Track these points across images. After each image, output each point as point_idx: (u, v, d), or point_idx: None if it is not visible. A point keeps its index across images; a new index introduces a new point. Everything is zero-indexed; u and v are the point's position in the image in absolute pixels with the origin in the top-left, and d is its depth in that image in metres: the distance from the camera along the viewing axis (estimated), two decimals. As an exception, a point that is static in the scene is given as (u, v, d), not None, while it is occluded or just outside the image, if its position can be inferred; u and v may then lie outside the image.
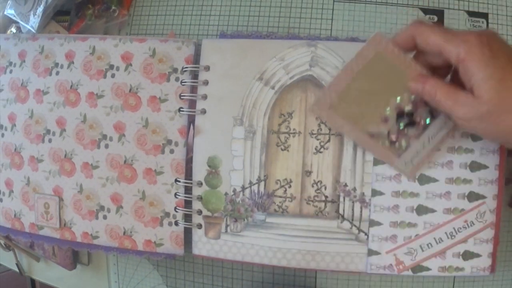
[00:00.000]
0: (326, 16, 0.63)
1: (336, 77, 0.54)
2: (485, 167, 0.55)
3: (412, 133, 0.54)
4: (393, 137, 0.55)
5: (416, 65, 0.52)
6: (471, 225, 0.55)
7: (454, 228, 0.55)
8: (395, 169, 0.56)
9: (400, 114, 0.54)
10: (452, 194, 0.56)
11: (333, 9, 0.63)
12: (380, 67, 0.53)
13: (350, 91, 0.54)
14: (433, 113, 0.54)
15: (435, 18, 0.61)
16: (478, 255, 0.56)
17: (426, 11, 0.61)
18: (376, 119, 0.54)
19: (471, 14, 0.61)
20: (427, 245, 0.56)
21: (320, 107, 0.55)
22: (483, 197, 0.55)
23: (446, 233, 0.56)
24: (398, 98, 0.54)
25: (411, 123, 0.54)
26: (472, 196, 0.55)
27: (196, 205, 0.60)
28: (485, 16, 0.61)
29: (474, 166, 0.56)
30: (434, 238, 0.56)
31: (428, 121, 0.54)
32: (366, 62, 0.53)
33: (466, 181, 0.56)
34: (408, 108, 0.54)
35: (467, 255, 0.56)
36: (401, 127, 0.54)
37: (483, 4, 0.61)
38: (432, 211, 0.56)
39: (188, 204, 0.60)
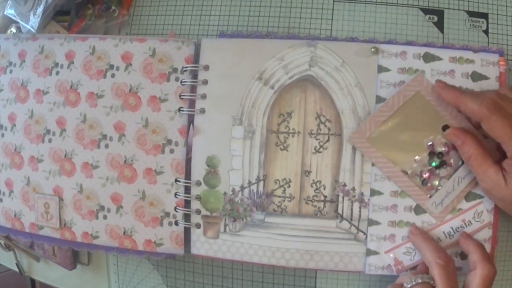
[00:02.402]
0: (326, 16, 0.63)
1: (377, 110, 0.56)
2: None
3: (443, 174, 0.55)
4: (425, 176, 0.55)
5: (459, 115, 0.54)
6: (468, 225, 0.55)
7: (452, 228, 0.55)
8: (425, 209, 0.56)
9: (432, 154, 0.55)
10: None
11: (333, 9, 0.63)
12: (419, 106, 0.55)
13: (388, 126, 0.56)
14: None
15: (435, 18, 0.61)
16: (476, 254, 0.56)
17: (426, 11, 0.61)
18: (410, 157, 0.56)
19: (471, 14, 0.60)
20: None
21: (358, 137, 0.56)
22: (481, 196, 0.55)
23: (444, 232, 0.56)
24: (431, 138, 0.55)
25: (443, 164, 0.55)
26: (470, 196, 0.55)
27: (195, 204, 0.60)
28: (485, 16, 0.60)
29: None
30: (433, 238, 0.56)
31: (459, 163, 0.55)
32: (406, 99, 0.55)
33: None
34: (440, 149, 0.55)
35: (465, 254, 0.55)
36: (433, 165, 0.55)
37: (483, 4, 0.61)
38: (430, 210, 0.56)
39: (188, 204, 0.60)
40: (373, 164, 0.56)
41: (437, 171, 0.55)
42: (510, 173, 0.48)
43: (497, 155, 0.51)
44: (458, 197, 0.55)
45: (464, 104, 0.50)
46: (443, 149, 0.55)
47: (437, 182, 0.55)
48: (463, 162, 0.55)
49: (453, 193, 0.55)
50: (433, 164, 0.55)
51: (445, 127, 0.55)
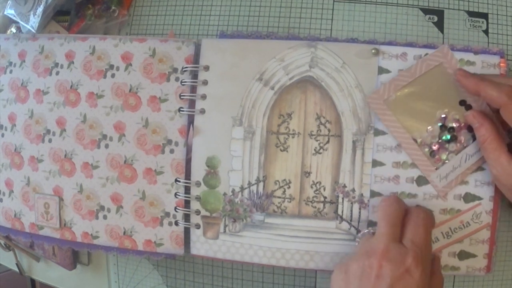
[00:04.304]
0: (326, 16, 0.63)
1: (398, 75, 0.56)
2: (482, 169, 0.55)
3: (452, 148, 0.55)
4: (434, 148, 0.55)
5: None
6: (467, 226, 0.55)
7: (450, 228, 0.55)
8: (429, 181, 0.56)
9: (444, 128, 0.55)
10: (448, 195, 0.56)
11: (333, 9, 0.63)
12: (439, 78, 0.55)
13: (406, 92, 0.55)
14: (475, 136, 0.55)
15: (435, 18, 0.61)
16: (473, 255, 0.56)
17: (426, 11, 0.61)
18: (423, 126, 0.56)
19: (471, 14, 0.60)
20: None
21: (376, 98, 0.56)
22: (479, 198, 0.55)
23: (442, 232, 0.56)
24: (446, 111, 0.55)
25: (453, 138, 0.55)
26: (469, 197, 0.55)
27: (195, 205, 0.60)
28: (485, 16, 0.60)
29: (471, 168, 0.56)
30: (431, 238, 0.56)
31: (470, 141, 0.55)
32: (428, 69, 0.55)
33: (463, 182, 0.56)
34: (451, 124, 0.55)
35: (463, 255, 0.56)
36: (443, 139, 0.55)
37: (483, 4, 0.61)
38: (429, 211, 0.56)
39: (188, 204, 0.60)
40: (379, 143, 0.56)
41: (447, 145, 0.55)
42: None
43: (507, 139, 0.51)
44: (463, 174, 0.55)
45: (484, 91, 0.50)
46: (455, 125, 0.55)
47: (445, 156, 0.55)
48: (473, 140, 0.55)
49: (459, 169, 0.55)
50: (444, 137, 0.55)
51: (462, 102, 0.55)
